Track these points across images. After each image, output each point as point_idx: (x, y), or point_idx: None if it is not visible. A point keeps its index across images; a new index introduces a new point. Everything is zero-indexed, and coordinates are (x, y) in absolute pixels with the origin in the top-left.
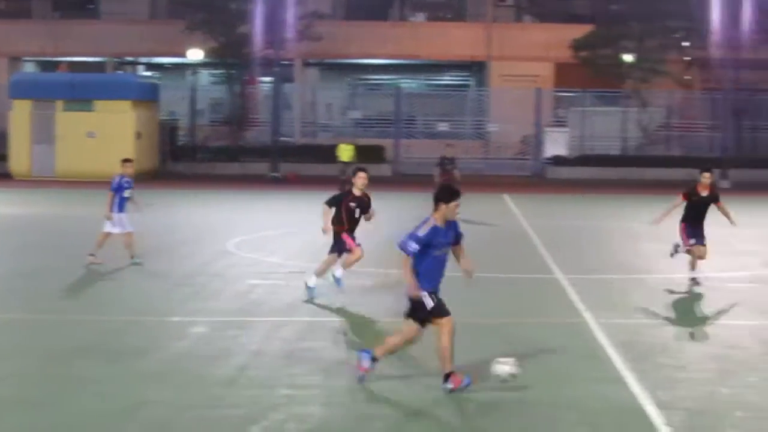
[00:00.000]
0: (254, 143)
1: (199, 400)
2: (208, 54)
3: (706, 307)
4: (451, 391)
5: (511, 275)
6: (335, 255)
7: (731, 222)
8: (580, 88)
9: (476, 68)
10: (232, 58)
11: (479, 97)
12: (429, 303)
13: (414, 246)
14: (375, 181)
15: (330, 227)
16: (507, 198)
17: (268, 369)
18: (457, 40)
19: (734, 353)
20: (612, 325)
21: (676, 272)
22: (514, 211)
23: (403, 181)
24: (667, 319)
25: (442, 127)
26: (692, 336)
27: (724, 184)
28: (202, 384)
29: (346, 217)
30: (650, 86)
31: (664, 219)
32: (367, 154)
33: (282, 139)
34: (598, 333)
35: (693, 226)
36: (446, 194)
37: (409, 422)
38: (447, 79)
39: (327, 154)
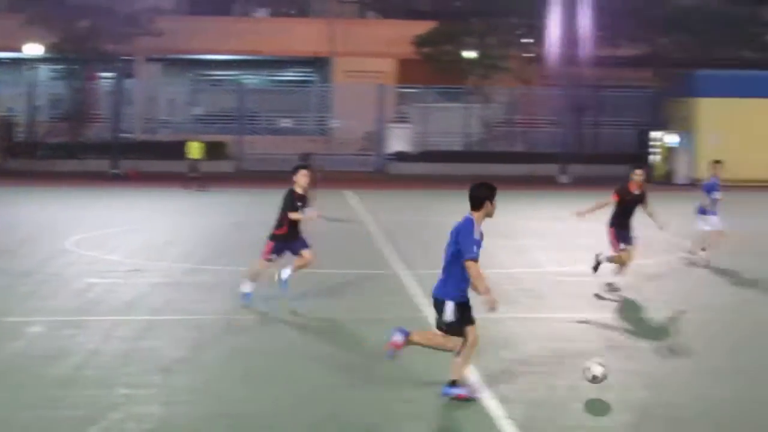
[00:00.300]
0: (95, 140)
1: (37, 401)
2: (47, 49)
3: (547, 300)
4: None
5: (350, 271)
6: (301, 253)
7: (659, 226)
8: (423, 85)
9: (319, 64)
10: (72, 53)
11: (322, 93)
12: (450, 317)
13: (477, 249)
14: (217, 178)
15: (309, 215)
16: (349, 194)
17: (106, 368)
18: (300, 35)
19: (573, 346)
20: None
21: (516, 267)
22: (356, 207)
23: (246, 177)
24: (507, 313)
25: (285, 123)
26: (531, 329)
27: (564, 179)
28: (40, 384)
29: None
30: (492, 82)
31: (588, 215)
32: (210, 151)
33: (123, 135)
34: None
35: (622, 227)
36: (490, 191)
37: (251, 421)
38: (290, 75)
39: (168, 150)
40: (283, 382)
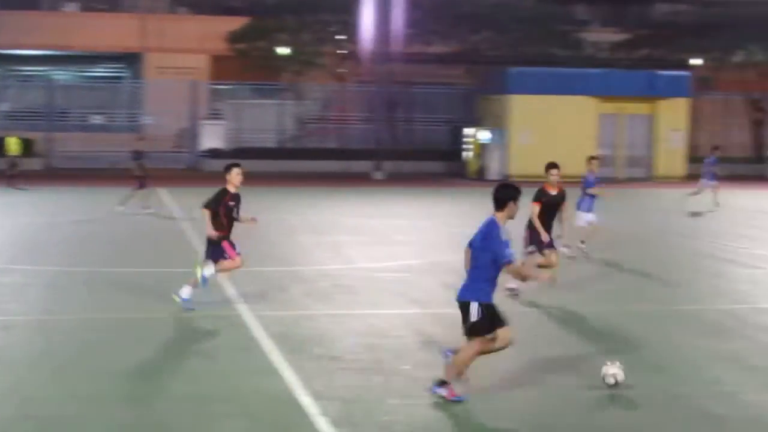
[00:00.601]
0: None
1: None
2: None
3: (361, 297)
4: (445, 399)
5: (161, 269)
6: (211, 262)
7: (561, 230)
8: (237, 81)
9: (131, 60)
10: None
11: (134, 89)
12: (475, 316)
13: (511, 250)
14: (26, 176)
15: (215, 233)
16: (162, 191)
17: None
18: (111, 30)
19: (387, 342)
20: (267, 317)
21: (330, 264)
22: (169, 204)
23: (56, 174)
24: (322, 310)
25: (96, 120)
26: (346, 326)
27: (378, 175)
28: None
29: (227, 219)
30: (306, 79)
31: (543, 232)
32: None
33: None
34: (253, 325)
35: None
36: (515, 192)
37: (60, 422)
38: (101, 70)
39: None
40: (94, 382)
